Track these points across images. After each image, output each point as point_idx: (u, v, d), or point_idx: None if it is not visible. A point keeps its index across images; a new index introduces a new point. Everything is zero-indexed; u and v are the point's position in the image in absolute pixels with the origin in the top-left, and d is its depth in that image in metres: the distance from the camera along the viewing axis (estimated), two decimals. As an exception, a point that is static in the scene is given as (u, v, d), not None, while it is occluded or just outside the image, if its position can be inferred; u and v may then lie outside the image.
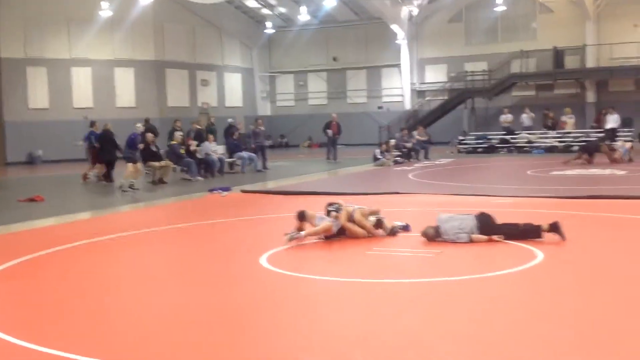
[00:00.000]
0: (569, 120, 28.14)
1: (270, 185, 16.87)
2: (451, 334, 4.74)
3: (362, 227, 8.46)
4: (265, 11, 38.42)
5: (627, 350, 4.28)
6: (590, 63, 32.29)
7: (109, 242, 8.97)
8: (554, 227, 7.92)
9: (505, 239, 7.92)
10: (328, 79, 39.84)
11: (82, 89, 32.02)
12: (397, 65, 36.99)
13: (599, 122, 28.16)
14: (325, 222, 8.31)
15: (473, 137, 29.80)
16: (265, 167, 21.39)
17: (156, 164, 17.61)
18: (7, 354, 4.52)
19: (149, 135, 18.00)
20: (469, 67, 34.34)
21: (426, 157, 24.63)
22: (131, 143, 17.30)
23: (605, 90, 33.20)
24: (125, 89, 33.00)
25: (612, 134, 25.08)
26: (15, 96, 30.32)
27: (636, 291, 5.77)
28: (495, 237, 7.92)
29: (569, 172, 17.40)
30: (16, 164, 28.85)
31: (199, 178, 18.28)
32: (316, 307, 5.65)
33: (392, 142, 24.29)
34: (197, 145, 19.28)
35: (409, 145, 24.48)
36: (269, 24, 38.25)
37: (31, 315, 5.56)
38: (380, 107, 38.28)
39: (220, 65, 37.92)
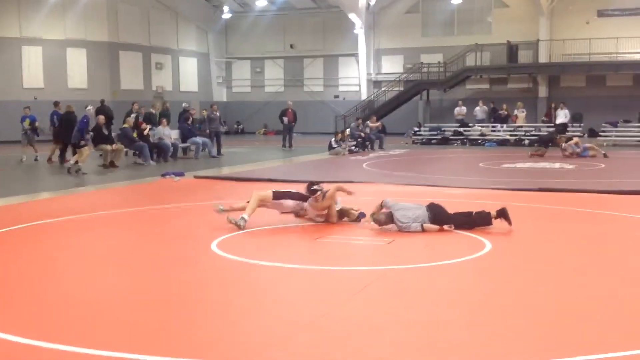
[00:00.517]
0: (520, 114, 28.65)
1: (224, 171, 16.75)
2: (397, 320, 4.79)
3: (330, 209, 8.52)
4: (222, -5, 38.11)
5: (568, 338, 4.38)
6: (542, 58, 32.89)
7: (56, 225, 8.80)
8: (502, 213, 8.15)
9: (455, 229, 8.03)
10: (285, 67, 39.71)
11: (33, 69, 31.27)
12: (354, 55, 37.07)
13: (550, 116, 28.75)
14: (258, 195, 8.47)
15: (427, 129, 30.08)
16: (219, 153, 21.24)
17: (108, 147, 17.32)
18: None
19: (100, 118, 17.68)
20: (425, 58, 34.61)
21: (381, 147, 24.78)
22: (81, 126, 16.86)
23: (556, 85, 33.89)
24: (77, 70, 32.32)
25: (562, 129, 25.59)
26: (-38, 74, 29.49)
27: (576, 280, 5.91)
28: (446, 227, 8.02)
29: (519, 164, 17.72)
30: (-38, 144, 28.04)
31: (152, 162, 18.05)
32: (263, 292, 5.64)
33: (348, 131, 24.38)
34: (150, 129, 19.03)
35: (363, 134, 24.59)
36: (226, 8, 37.90)
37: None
38: (336, 96, 38.34)
39: (176, 49, 37.43)
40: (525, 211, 9.80)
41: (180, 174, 14.78)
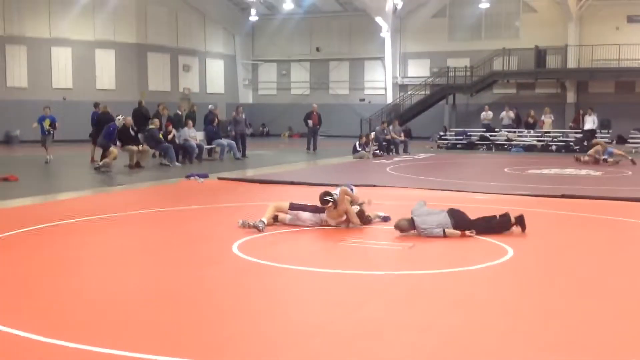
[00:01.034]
0: (547, 119, 28.38)
1: (248, 173, 16.82)
2: (412, 325, 4.77)
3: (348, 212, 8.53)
4: (249, -2, 38.33)
5: (590, 346, 4.33)
6: (571, 64, 32.56)
7: (82, 224, 8.91)
8: (519, 220, 8.23)
9: (477, 234, 8.00)
10: (311, 69, 39.79)
11: (62, 69, 31.70)
12: (381, 58, 37.03)
13: (578, 122, 28.43)
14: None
15: (453, 133, 29.93)
16: (244, 155, 21.33)
17: (134, 147, 17.49)
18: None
19: (128, 119, 17.87)
20: (452, 62, 34.47)
21: (405, 152, 24.71)
22: (108, 133, 16.95)
23: (585, 91, 33.53)
24: (106, 71, 32.72)
25: (590, 135, 25.31)
26: (-7, 74, 29.97)
27: (597, 289, 5.84)
28: (467, 233, 7.98)
29: (545, 171, 17.55)
30: (-8, 143, 28.55)
31: (177, 164, 18.19)
32: (279, 294, 5.66)
33: (372, 135, 24.34)
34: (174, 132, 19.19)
35: (388, 138, 24.54)
36: (253, 11, 38.09)
37: (-4, 295, 5.50)
38: (362, 100, 38.32)
39: (203, 51, 37.71)
40: (549, 218, 9.71)
41: (205, 176, 14.87)
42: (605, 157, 19.58)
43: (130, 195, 12.41)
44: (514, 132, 28.36)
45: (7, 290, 5.67)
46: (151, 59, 34.31)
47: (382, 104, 36.13)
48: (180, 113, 21.25)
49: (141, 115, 19.74)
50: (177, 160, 18.45)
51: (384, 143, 24.08)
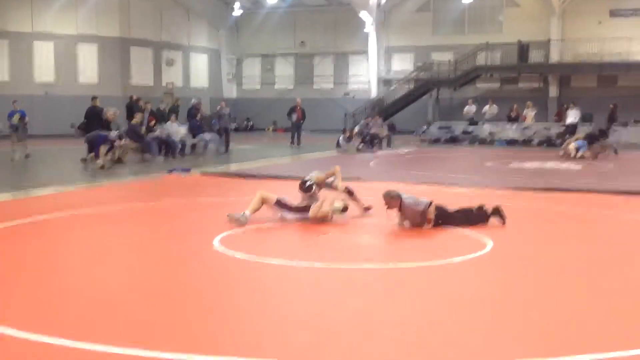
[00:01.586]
0: (530, 113, 28.55)
1: (232, 167, 16.80)
2: (392, 319, 4.80)
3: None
4: (233, -8, 38.19)
5: (570, 337, 4.38)
6: (554, 58, 32.77)
7: (60, 220, 8.86)
8: (496, 212, 8.35)
9: (455, 226, 8.10)
10: (295, 64, 39.74)
11: (44, 63, 31.49)
12: (365, 53, 37.05)
13: (560, 116, 28.61)
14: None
15: (437, 127, 30.03)
16: (227, 150, 21.29)
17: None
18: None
19: (110, 113, 17.71)
20: (436, 57, 34.57)
21: (389, 146, 24.76)
22: (99, 140, 16.62)
23: (567, 85, 33.76)
24: (88, 66, 32.52)
25: (572, 129, 25.47)
26: (-26, 68, 29.72)
27: (578, 280, 5.90)
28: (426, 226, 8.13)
29: (527, 164, 17.67)
30: (-27, 137, 28.24)
31: (160, 158, 18.11)
32: (261, 289, 5.67)
33: (356, 129, 24.38)
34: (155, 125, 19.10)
35: (372, 132, 24.57)
36: (237, 5, 37.98)
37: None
38: (346, 94, 38.33)
39: (186, 45, 37.55)
40: (528, 211, 9.80)
41: (187, 170, 14.83)
42: (580, 151, 19.68)
43: (111, 190, 12.35)
44: (497, 126, 28.50)
45: (-14, 285, 5.64)
46: (134, 53, 34.12)
47: (366, 98, 36.18)
48: (162, 108, 21.15)
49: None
50: (160, 155, 18.38)
51: (367, 137, 24.12)
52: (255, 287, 5.73)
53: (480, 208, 8.40)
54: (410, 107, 34.53)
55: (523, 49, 32.67)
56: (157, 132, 19.00)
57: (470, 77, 33.33)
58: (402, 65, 36.83)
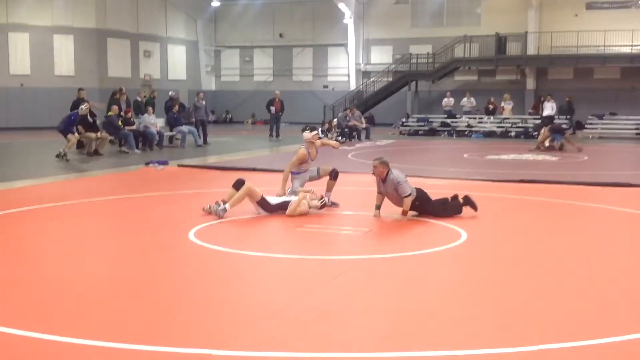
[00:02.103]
0: (507, 106, 28.75)
1: (210, 160, 16.74)
2: (364, 309, 4.83)
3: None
4: (211, -17, 37.92)
5: (545, 326, 4.43)
6: (531, 50, 32.94)
7: (35, 212, 8.79)
8: (467, 201, 8.50)
9: (431, 218, 8.16)
10: (274, 56, 39.61)
11: (19, 55, 31.07)
12: (344, 45, 37.03)
13: (537, 109, 28.85)
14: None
15: (415, 120, 30.14)
16: (205, 142, 21.20)
17: (92, 135, 17.27)
18: None
19: (85, 106, 17.56)
20: (414, 49, 34.59)
21: (367, 138, 24.82)
22: (68, 121, 16.63)
23: (544, 77, 33.99)
24: (64, 57, 32.11)
25: (548, 121, 25.67)
26: (-52, 60, 29.27)
27: (552, 269, 5.97)
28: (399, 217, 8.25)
29: (504, 156, 17.81)
30: (-53, 130, 27.87)
31: (137, 151, 18.00)
32: (234, 280, 5.68)
33: (335, 121, 24.40)
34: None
35: (350, 125, 24.62)
36: (215, -4, 37.75)
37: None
38: (325, 87, 38.31)
39: (164, 37, 37.25)
40: (504, 202, 9.88)
41: (164, 163, 14.76)
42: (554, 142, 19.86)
43: (88, 182, 12.27)
44: (475, 118, 28.70)
45: (-43, 279, 5.58)
46: (111, 45, 33.75)
47: (345, 90, 36.16)
48: (139, 99, 20.99)
49: (117, 105, 18.75)
50: (137, 148, 18.27)
51: (346, 129, 24.15)
52: (229, 278, 5.74)
53: (455, 198, 8.52)
54: (389, 99, 34.57)
55: (501, 42, 32.82)
56: (135, 125, 18.85)
57: (448, 69, 33.45)
58: (381, 57, 36.85)
